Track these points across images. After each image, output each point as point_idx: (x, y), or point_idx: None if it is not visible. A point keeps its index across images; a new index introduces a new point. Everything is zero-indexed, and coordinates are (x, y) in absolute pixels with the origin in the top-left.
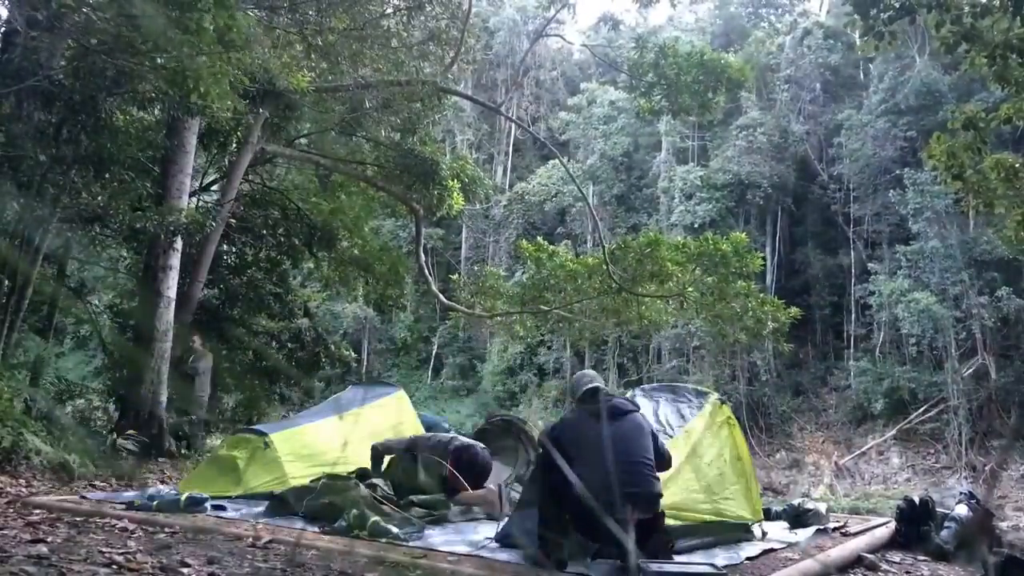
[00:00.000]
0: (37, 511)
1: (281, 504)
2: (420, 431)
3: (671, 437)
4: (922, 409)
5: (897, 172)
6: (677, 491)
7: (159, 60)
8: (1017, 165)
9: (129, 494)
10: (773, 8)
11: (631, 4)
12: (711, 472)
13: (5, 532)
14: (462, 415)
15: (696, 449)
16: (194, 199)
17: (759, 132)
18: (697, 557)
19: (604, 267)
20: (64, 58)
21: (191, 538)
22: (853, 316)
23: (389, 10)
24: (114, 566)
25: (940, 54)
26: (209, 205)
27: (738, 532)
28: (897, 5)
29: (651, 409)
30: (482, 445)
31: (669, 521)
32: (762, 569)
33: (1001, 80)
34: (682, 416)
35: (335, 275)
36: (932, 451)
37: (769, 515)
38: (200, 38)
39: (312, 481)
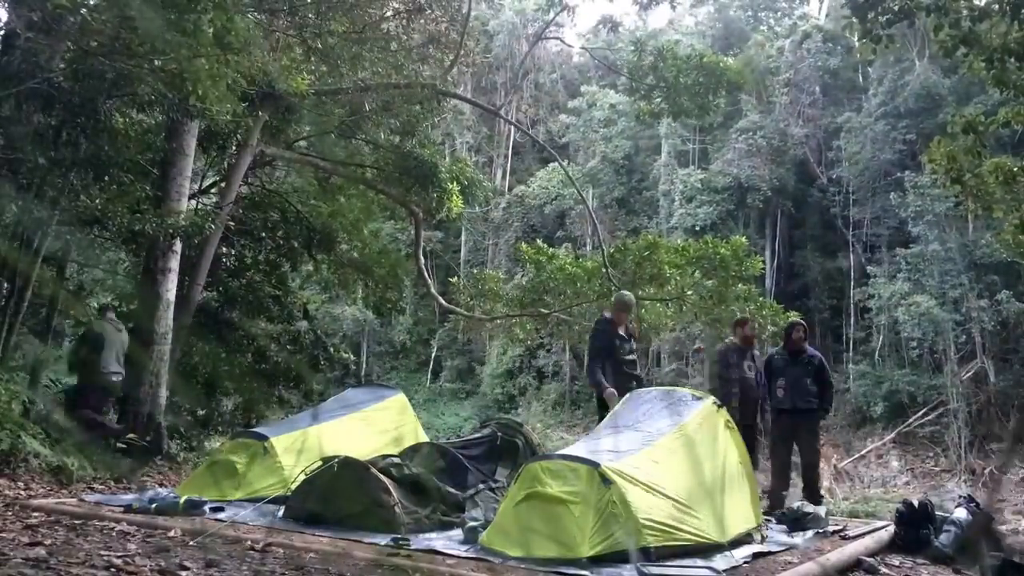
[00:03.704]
0: (36, 514)
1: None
2: (420, 434)
3: (662, 435)
4: (921, 412)
5: (897, 175)
6: (673, 488)
7: (157, 62)
8: (1015, 169)
9: (128, 497)
10: (772, 12)
11: (630, 7)
12: (708, 471)
13: (3, 535)
14: (461, 417)
15: (690, 444)
16: (193, 202)
17: (759, 135)
18: (697, 559)
19: (604, 270)
20: (64, 60)
21: (191, 541)
22: (852, 319)
23: (389, 13)
24: (113, 569)
25: (940, 57)
26: (208, 208)
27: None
28: (896, 8)
29: (642, 412)
30: None
31: (661, 542)
32: (761, 572)
33: (1000, 84)
34: (677, 415)
35: (334, 278)
36: (931, 454)
37: None
38: (198, 40)
39: (314, 470)
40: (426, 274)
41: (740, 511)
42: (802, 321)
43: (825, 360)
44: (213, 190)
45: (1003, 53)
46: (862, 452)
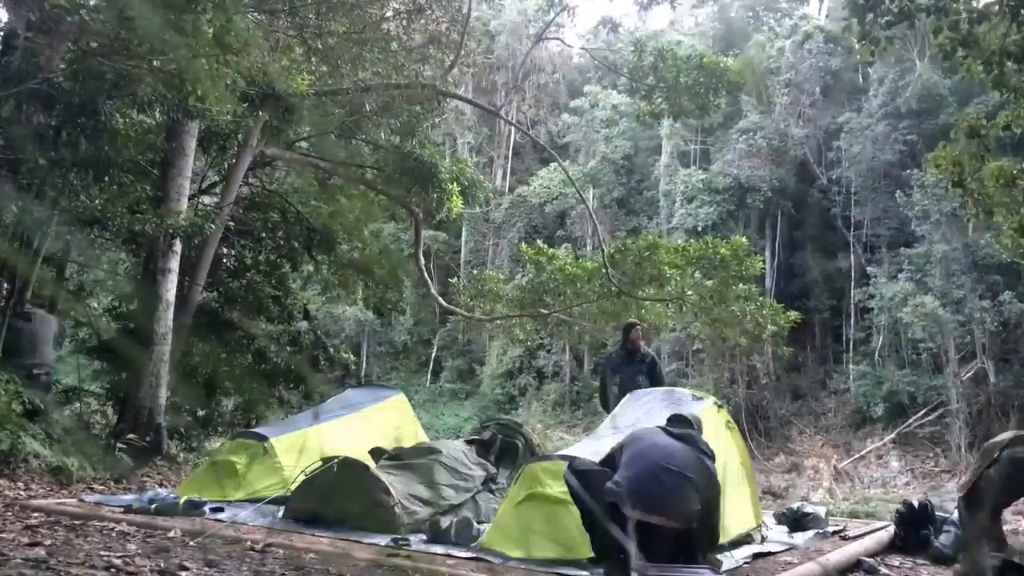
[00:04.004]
0: (35, 514)
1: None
2: (420, 434)
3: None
4: (921, 413)
5: (898, 175)
6: None
7: (156, 63)
8: (1015, 172)
9: (127, 497)
10: (773, 12)
11: (631, 7)
12: None
13: (3, 535)
14: (461, 418)
15: None
16: (193, 202)
17: (759, 136)
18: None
19: (604, 270)
20: (64, 61)
21: (191, 541)
22: (852, 320)
23: (389, 13)
24: (113, 569)
25: (940, 59)
26: (208, 208)
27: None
28: (896, 10)
29: (642, 412)
30: None
31: None
32: (761, 572)
33: (999, 86)
34: None
35: (335, 278)
36: (931, 455)
37: None
38: (197, 41)
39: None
40: (426, 275)
41: (740, 511)
42: (638, 321)
43: (657, 359)
44: (213, 190)
45: (1001, 55)
46: (862, 452)
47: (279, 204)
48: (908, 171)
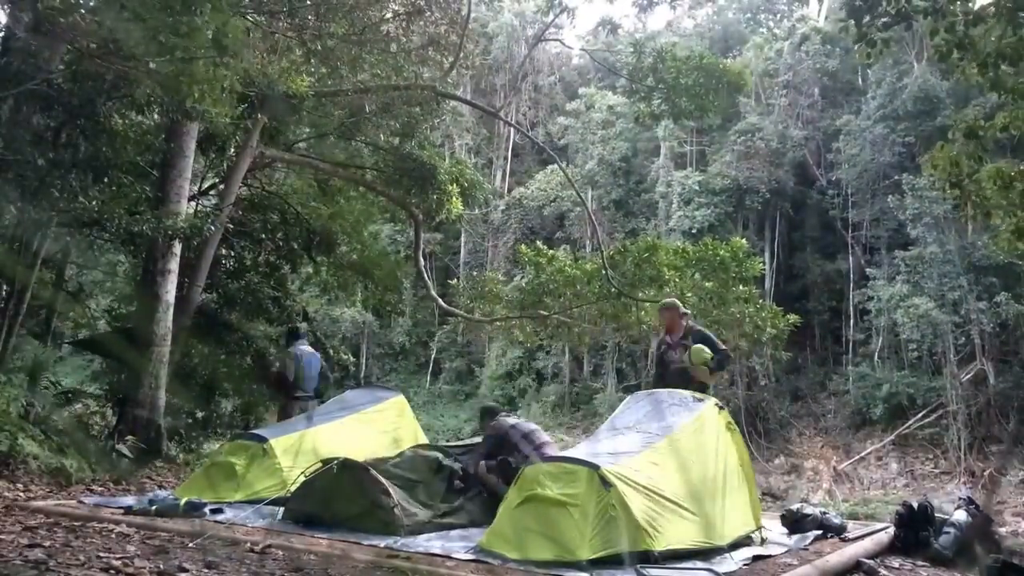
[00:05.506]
0: (35, 516)
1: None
2: (419, 436)
3: (662, 437)
4: (921, 414)
5: (896, 178)
6: (673, 491)
7: (153, 64)
8: (1013, 174)
9: (127, 499)
10: (771, 14)
11: (630, 8)
12: (708, 474)
13: (3, 537)
14: (460, 419)
15: (690, 446)
16: (193, 203)
17: (757, 137)
18: (696, 561)
19: (603, 272)
20: (63, 62)
21: (190, 543)
22: (852, 321)
23: (388, 15)
24: (112, 571)
25: (936, 61)
26: (208, 209)
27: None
28: (893, 12)
29: (642, 414)
30: None
31: (660, 545)
32: (761, 574)
33: (995, 88)
34: (677, 416)
35: (334, 280)
36: (931, 456)
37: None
38: (194, 42)
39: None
40: (425, 276)
41: (739, 513)
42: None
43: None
44: (212, 192)
45: (997, 57)
46: (862, 454)
47: (278, 205)
48: (898, 177)
